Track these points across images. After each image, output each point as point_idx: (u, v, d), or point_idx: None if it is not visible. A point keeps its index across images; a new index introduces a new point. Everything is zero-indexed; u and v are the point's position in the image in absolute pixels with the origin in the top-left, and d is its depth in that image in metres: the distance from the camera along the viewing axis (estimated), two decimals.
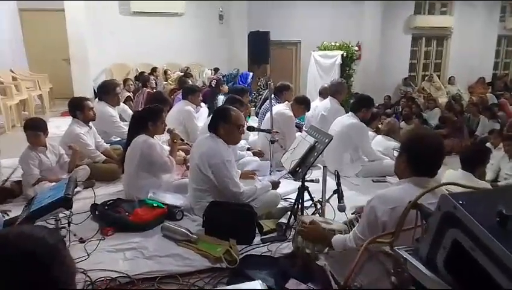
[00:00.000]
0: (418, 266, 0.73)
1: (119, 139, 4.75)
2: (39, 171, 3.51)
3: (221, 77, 8.77)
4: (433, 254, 0.72)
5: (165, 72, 9.14)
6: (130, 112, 5.53)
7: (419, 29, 11.63)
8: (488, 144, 6.26)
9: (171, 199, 3.20)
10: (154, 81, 7.44)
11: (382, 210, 1.81)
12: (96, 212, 3.06)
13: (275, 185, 3.12)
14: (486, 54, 12.35)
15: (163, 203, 3.05)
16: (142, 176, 3.24)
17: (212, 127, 3.02)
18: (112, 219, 2.93)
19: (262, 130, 3.88)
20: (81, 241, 2.70)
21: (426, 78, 11.97)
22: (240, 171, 3.37)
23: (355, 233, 1.96)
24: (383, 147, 4.59)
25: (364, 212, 1.93)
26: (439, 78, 12.02)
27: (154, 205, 2.99)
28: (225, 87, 7.16)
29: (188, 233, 2.68)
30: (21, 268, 0.83)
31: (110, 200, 3.18)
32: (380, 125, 5.42)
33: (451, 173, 3.47)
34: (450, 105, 9.13)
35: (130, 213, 2.94)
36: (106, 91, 4.80)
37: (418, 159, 1.89)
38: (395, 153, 2.13)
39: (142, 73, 8.31)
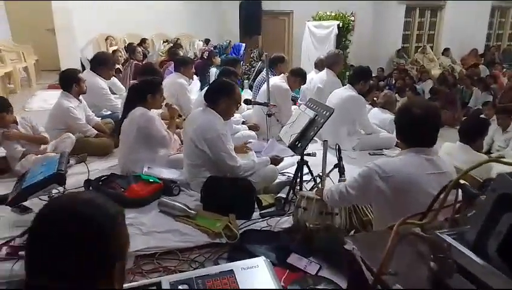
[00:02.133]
0: (466, 252, 0.67)
1: (109, 112, 4.63)
2: (21, 146, 3.40)
3: (212, 48, 8.56)
4: (484, 240, 0.67)
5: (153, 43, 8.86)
6: (120, 85, 5.38)
7: (413, 0, 11.41)
8: (481, 116, 6.29)
9: (167, 173, 3.14)
10: (140, 53, 7.19)
11: (379, 176, 1.82)
12: (90, 188, 2.98)
13: (277, 161, 3.07)
14: (479, 25, 12.21)
15: (159, 178, 2.99)
16: (139, 149, 3.16)
17: (212, 99, 2.93)
18: (107, 194, 2.85)
19: (260, 104, 3.79)
20: None
21: (419, 49, 11.85)
22: (233, 144, 3.31)
23: (344, 184, 2.01)
24: (378, 119, 4.55)
25: (361, 173, 1.94)
26: (432, 50, 11.92)
27: (150, 180, 2.93)
28: (217, 59, 6.98)
29: (186, 208, 2.64)
30: (78, 233, 0.82)
31: (104, 176, 3.10)
32: (375, 98, 5.37)
33: (449, 146, 3.45)
34: (443, 77, 9.09)
35: (125, 189, 2.87)
36: (103, 63, 4.66)
37: (405, 130, 1.92)
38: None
39: (130, 44, 8.06)
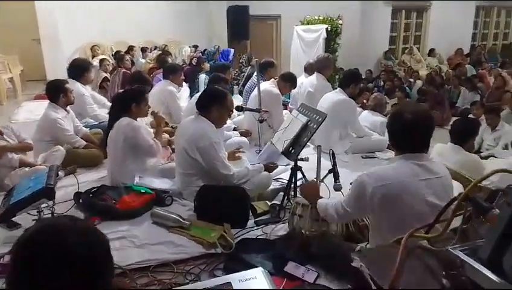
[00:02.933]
0: (480, 269, 0.65)
1: (98, 122, 4.56)
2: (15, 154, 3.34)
3: (200, 54, 8.51)
4: (499, 256, 0.64)
5: (143, 50, 8.80)
6: (100, 97, 5.29)
7: (398, 1, 11.52)
8: (470, 116, 6.36)
9: (159, 183, 3.09)
10: (129, 61, 7.12)
11: (372, 186, 1.79)
12: (81, 201, 2.92)
13: (271, 168, 3.04)
14: (464, 25, 12.40)
15: (150, 189, 2.94)
16: (128, 160, 3.10)
17: (204, 107, 2.90)
18: (98, 207, 2.80)
19: (251, 110, 3.77)
20: None
21: (406, 51, 11.97)
22: (226, 153, 3.27)
23: (340, 202, 1.98)
24: (369, 122, 4.55)
25: (353, 186, 1.91)
26: (419, 51, 12.04)
27: (142, 191, 2.87)
28: (206, 65, 6.94)
29: (180, 219, 2.59)
30: (62, 264, 0.80)
31: (94, 188, 3.04)
32: (365, 101, 5.38)
33: (441, 147, 3.46)
34: (431, 78, 9.18)
35: (116, 201, 2.81)
36: (81, 68, 4.61)
37: (397, 137, 1.90)
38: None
39: (118, 52, 7.99)
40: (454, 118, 6.34)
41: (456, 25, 11.92)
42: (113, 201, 2.82)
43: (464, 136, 3.33)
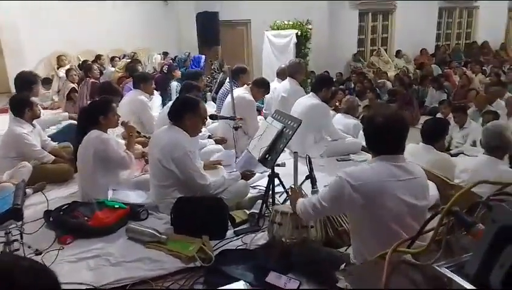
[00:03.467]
0: (467, 286, 0.64)
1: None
2: None
3: (171, 61, 8.39)
4: (485, 272, 0.63)
5: (112, 59, 8.60)
6: (52, 118, 5.08)
7: (365, 4, 11.77)
8: (438, 114, 6.54)
9: (134, 197, 3.01)
10: (97, 70, 6.93)
11: (350, 185, 1.80)
12: (51, 219, 2.79)
13: (248, 176, 3.01)
14: (428, 26, 12.79)
15: (125, 203, 2.85)
16: (99, 174, 2.99)
17: (176, 117, 2.84)
18: (70, 225, 2.69)
19: (226, 118, 3.73)
20: (37, 253, 2.45)
21: (374, 52, 12.23)
22: (202, 162, 3.22)
23: (316, 197, 1.99)
24: (343, 125, 4.60)
25: (331, 184, 1.92)
26: (386, 52, 12.33)
27: (116, 206, 2.78)
28: (178, 73, 6.83)
29: (156, 233, 2.51)
30: None
31: (65, 204, 2.92)
32: (337, 104, 5.44)
33: (413, 147, 3.53)
34: (399, 78, 9.41)
35: (89, 217, 2.70)
36: (28, 81, 4.31)
37: (373, 139, 1.93)
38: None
39: (85, 61, 7.77)
40: (423, 117, 6.53)
41: (421, 26, 12.30)
42: (86, 218, 2.71)
43: (434, 136, 3.41)
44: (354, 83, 9.41)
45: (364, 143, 4.19)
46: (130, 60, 7.84)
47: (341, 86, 9.52)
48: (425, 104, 8.36)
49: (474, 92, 7.32)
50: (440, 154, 3.47)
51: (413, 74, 10.65)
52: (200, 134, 3.65)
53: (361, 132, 4.52)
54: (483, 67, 10.44)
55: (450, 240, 0.81)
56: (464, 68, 10.03)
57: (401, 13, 12.22)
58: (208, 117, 3.22)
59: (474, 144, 5.50)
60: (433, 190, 2.89)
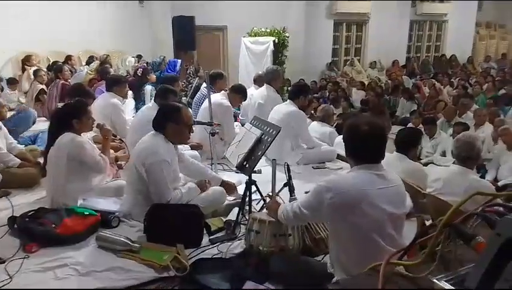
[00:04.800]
0: None
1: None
2: None
3: (145, 64, 8.23)
4: (488, 286, 0.62)
5: (88, 62, 8.32)
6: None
7: (340, 15, 12.00)
8: (409, 124, 6.71)
9: (105, 204, 2.89)
10: (68, 72, 6.70)
11: (331, 194, 1.80)
12: (15, 226, 2.64)
13: (203, 185, 2.93)
14: (400, 38, 13.18)
15: (95, 210, 2.73)
16: (71, 179, 2.87)
17: (159, 125, 2.77)
18: (36, 232, 2.54)
19: (203, 123, 3.66)
20: (1, 261, 2.30)
21: (348, 62, 12.48)
22: (182, 175, 3.07)
23: (297, 203, 1.99)
24: (319, 133, 4.63)
25: (313, 191, 1.92)
26: (359, 62, 12.60)
27: (86, 213, 2.66)
28: (153, 76, 6.70)
29: (128, 242, 2.42)
30: None
31: (31, 211, 2.76)
32: (312, 111, 5.48)
33: (387, 156, 3.56)
34: (371, 88, 9.62)
35: (57, 225, 2.57)
36: None
37: (353, 148, 1.94)
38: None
39: (55, 62, 7.51)
40: (394, 127, 6.68)
41: (393, 37, 12.67)
42: (53, 225, 2.58)
43: (408, 145, 3.47)
44: (329, 91, 9.54)
45: (340, 151, 4.25)
46: (100, 62, 7.62)
47: (315, 95, 9.63)
48: (397, 114, 8.57)
49: (442, 104, 7.58)
50: (413, 163, 3.54)
51: (385, 84, 10.92)
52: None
53: (336, 140, 4.57)
54: (451, 80, 10.84)
55: (443, 253, 0.80)
56: (433, 80, 10.36)
57: (374, 25, 12.55)
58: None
59: (443, 154, 5.67)
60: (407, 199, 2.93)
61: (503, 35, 15.54)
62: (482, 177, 4.53)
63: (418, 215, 3.00)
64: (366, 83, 10.87)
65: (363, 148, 1.89)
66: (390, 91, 9.58)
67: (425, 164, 5.26)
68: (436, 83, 9.83)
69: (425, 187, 3.26)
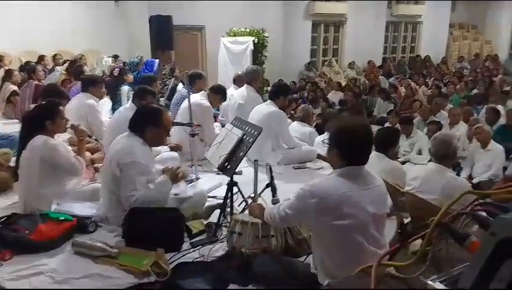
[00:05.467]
0: None
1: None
2: None
3: (122, 64, 8.06)
4: (482, 286, 0.61)
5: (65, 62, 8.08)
6: None
7: (318, 16, 12.09)
8: (386, 124, 6.81)
9: (81, 208, 2.79)
10: (42, 72, 6.50)
11: (315, 197, 1.81)
12: None
13: (176, 176, 2.78)
14: (376, 39, 13.41)
15: (71, 215, 2.64)
16: (45, 183, 2.77)
17: (137, 127, 2.70)
18: (8, 239, 2.44)
19: (183, 124, 3.60)
20: None
21: (326, 63, 12.59)
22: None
23: (283, 205, 2.00)
24: (299, 133, 4.64)
25: (298, 196, 1.92)
26: (337, 63, 12.74)
27: (61, 218, 2.57)
28: (130, 77, 6.57)
29: (106, 247, 2.35)
30: None
31: (3, 217, 2.65)
32: (293, 111, 5.49)
33: None
34: (349, 88, 9.73)
35: (31, 231, 2.47)
36: None
37: (350, 152, 1.92)
38: (325, 147, 2.13)
39: (28, 63, 7.27)
40: (372, 126, 6.77)
41: (369, 38, 12.88)
42: (27, 231, 2.48)
43: (386, 144, 3.52)
44: (308, 91, 9.59)
45: (320, 151, 4.26)
46: (70, 62, 7.40)
47: (294, 95, 9.66)
48: (374, 114, 8.69)
49: (418, 103, 7.73)
50: (392, 162, 3.59)
51: (362, 84, 11.06)
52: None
53: (316, 140, 4.59)
54: (426, 80, 11.08)
55: (434, 252, 0.79)
56: (409, 80, 10.57)
57: (351, 26, 12.71)
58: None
59: (420, 152, 5.77)
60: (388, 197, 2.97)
61: (476, 36, 16.04)
62: (457, 174, 4.64)
63: (397, 213, 3.04)
64: (344, 83, 10.99)
65: (357, 151, 1.91)
66: (368, 91, 9.70)
67: (403, 163, 5.34)
68: (411, 83, 10.02)
69: (403, 185, 3.31)
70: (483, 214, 0.75)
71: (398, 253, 0.85)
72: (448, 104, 7.46)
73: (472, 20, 16.12)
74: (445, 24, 14.57)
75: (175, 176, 2.77)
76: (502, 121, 6.02)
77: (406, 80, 10.60)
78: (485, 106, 6.89)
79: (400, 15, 13.56)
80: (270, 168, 2.54)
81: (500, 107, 6.48)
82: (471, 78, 10.89)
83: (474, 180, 4.78)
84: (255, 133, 2.54)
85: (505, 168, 4.84)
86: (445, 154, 3.05)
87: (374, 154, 3.50)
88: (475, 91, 9.03)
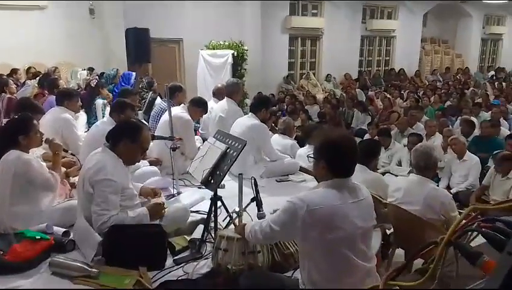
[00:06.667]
0: None
1: None
2: None
3: (97, 77, 7.90)
4: None
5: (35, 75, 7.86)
6: None
7: (295, 30, 12.27)
8: (366, 135, 6.91)
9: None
10: (14, 86, 6.30)
11: (304, 210, 1.79)
12: None
13: (157, 211, 2.67)
14: (352, 52, 13.71)
15: (47, 233, 2.53)
16: (19, 201, 2.64)
17: (113, 140, 2.60)
18: None
19: (164, 138, 3.52)
20: None
21: (304, 76, 12.74)
22: (138, 196, 2.85)
23: (267, 221, 1.96)
24: (280, 145, 4.63)
25: (284, 207, 1.90)
26: (314, 76, 12.91)
27: (37, 237, 2.45)
28: (105, 91, 6.45)
29: (85, 266, 2.24)
30: None
31: None
32: (273, 124, 5.49)
33: None
34: (327, 101, 9.85)
35: (5, 251, 2.34)
36: None
37: (338, 164, 1.93)
38: (310, 160, 2.12)
39: (0, 76, 7.02)
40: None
41: (345, 52, 13.16)
42: (1, 252, 2.35)
43: (368, 156, 3.55)
44: (287, 104, 9.66)
45: (302, 163, 4.26)
46: (43, 74, 7.20)
47: (274, 107, 9.70)
48: (352, 126, 8.81)
49: (396, 115, 7.88)
50: (373, 173, 3.62)
51: (340, 96, 11.24)
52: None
53: (298, 152, 4.59)
54: (401, 92, 11.36)
55: (443, 271, 0.77)
56: (385, 93, 10.81)
57: (327, 39, 12.96)
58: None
59: (399, 164, 5.86)
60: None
61: (447, 50, 16.65)
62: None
63: (380, 224, 3.05)
64: (322, 96, 11.13)
65: (344, 163, 1.92)
66: (345, 104, 9.85)
67: (383, 173, 5.40)
68: (387, 95, 10.25)
69: (386, 197, 3.34)
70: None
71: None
72: (424, 116, 7.64)
73: (443, 35, 16.76)
74: (418, 38, 15.07)
75: (155, 213, 2.64)
76: (477, 132, 6.20)
77: (382, 93, 10.83)
78: (459, 118, 7.10)
79: (375, 29, 13.93)
80: (255, 182, 2.50)
81: (473, 119, 6.68)
82: (443, 90, 11.23)
83: (452, 191, 4.87)
84: (239, 146, 2.51)
85: (481, 178, 4.96)
86: (426, 166, 3.10)
87: (356, 167, 3.54)
88: (448, 103, 9.31)
